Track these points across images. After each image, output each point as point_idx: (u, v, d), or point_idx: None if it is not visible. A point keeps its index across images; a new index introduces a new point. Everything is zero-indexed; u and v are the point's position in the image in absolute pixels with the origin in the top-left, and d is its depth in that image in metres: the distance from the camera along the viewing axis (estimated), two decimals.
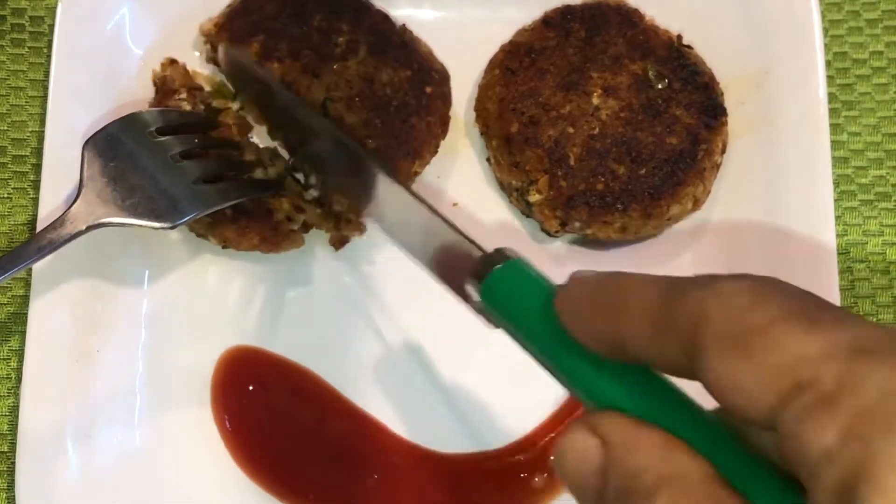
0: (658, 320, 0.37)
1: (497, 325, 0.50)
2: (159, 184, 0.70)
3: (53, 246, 0.67)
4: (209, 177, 0.72)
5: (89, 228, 0.67)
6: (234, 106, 0.77)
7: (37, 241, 0.67)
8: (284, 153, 0.78)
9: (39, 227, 0.72)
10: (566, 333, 0.42)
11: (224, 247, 0.76)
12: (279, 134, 0.77)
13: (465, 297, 0.52)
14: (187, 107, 0.76)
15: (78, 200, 0.68)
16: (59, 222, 0.67)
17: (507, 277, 0.50)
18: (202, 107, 0.77)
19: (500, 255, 0.51)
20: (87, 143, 0.70)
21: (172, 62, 0.78)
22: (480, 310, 0.51)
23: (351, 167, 0.71)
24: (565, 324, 0.42)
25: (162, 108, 0.75)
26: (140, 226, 0.68)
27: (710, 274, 0.38)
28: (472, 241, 0.56)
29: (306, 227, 0.76)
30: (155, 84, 0.78)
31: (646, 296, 0.38)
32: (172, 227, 0.69)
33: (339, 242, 0.77)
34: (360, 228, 0.75)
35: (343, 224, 0.75)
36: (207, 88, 0.78)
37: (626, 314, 0.39)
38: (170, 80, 0.77)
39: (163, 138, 0.72)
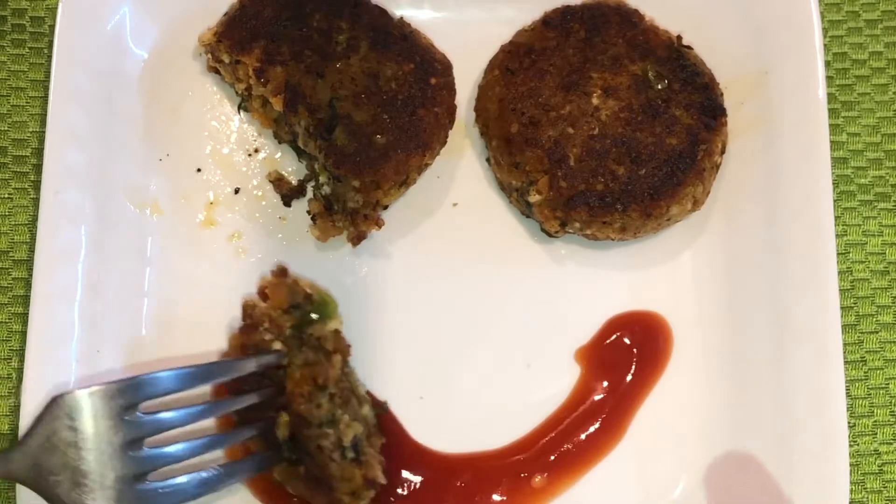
0: None
1: None
2: (93, 472, 0.59)
3: None
4: (173, 470, 0.63)
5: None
6: (333, 325, 0.71)
7: None
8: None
9: (40, 227, 0.72)
10: None
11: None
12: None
13: None
14: (276, 344, 0.69)
15: (18, 447, 0.60)
16: None
17: None
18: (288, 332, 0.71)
19: None
20: (55, 398, 0.63)
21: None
22: None
23: None
24: None
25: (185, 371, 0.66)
26: None
27: None
28: None
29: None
30: (246, 313, 0.72)
31: None
32: None
33: (356, 239, 0.76)
34: (378, 223, 0.76)
35: (360, 220, 0.75)
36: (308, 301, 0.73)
37: None
38: (258, 316, 0.71)
39: (137, 417, 0.62)
